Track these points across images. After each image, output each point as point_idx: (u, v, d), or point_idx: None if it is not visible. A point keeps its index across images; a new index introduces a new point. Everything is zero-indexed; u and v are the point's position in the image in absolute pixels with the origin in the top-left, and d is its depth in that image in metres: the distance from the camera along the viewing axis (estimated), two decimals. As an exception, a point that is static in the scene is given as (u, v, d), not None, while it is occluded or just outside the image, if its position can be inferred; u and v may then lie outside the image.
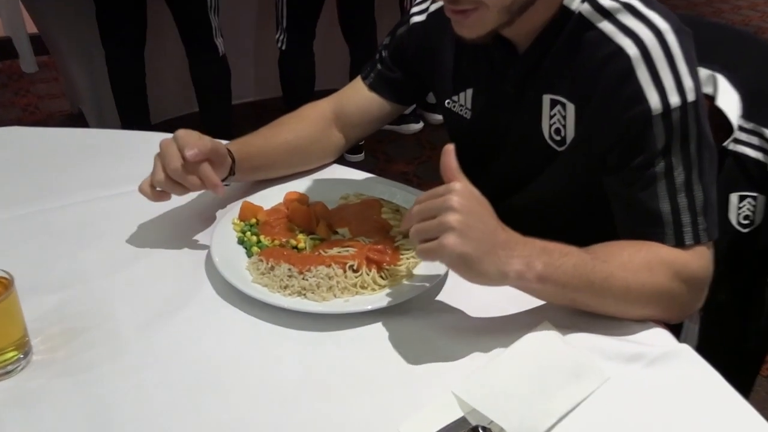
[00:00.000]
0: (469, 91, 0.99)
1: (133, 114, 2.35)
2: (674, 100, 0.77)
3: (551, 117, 0.88)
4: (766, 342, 1.01)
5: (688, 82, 0.77)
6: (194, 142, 0.85)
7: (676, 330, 0.95)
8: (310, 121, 1.06)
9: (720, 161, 0.91)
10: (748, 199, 0.99)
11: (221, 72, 2.38)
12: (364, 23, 2.59)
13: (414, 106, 2.77)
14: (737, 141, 0.95)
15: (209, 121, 2.41)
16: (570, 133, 0.87)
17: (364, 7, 2.56)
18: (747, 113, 0.96)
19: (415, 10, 1.03)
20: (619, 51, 0.78)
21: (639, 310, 0.78)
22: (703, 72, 0.94)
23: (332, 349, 0.76)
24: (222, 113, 2.42)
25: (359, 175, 1.09)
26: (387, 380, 0.71)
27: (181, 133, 0.86)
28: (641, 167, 0.80)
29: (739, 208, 0.98)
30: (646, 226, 0.81)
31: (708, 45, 0.98)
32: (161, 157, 0.85)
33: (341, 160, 1.12)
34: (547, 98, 0.88)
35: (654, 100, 0.77)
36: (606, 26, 0.79)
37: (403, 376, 0.72)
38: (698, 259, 0.79)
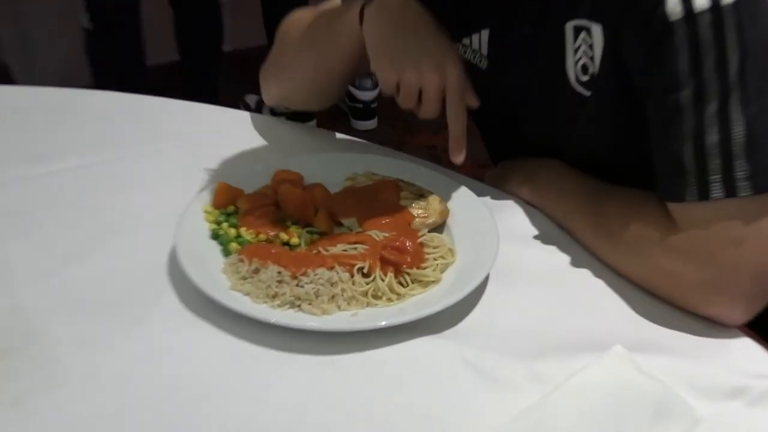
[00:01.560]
0: (485, 33, 1.02)
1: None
2: (701, 1, 0.77)
3: (576, 51, 0.92)
4: None
5: None
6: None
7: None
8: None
9: None
10: None
11: (217, 22, 2.75)
12: None
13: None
14: None
15: (195, 73, 2.76)
16: (598, 68, 0.91)
17: None
18: None
19: None
20: None
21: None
22: None
23: (335, 379, 0.75)
24: (212, 66, 2.77)
25: (370, 148, 1.09)
26: (407, 422, 0.71)
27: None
28: (663, 95, 0.81)
29: None
30: (666, 179, 0.83)
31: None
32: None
33: (348, 129, 1.13)
34: (570, 27, 0.91)
35: (672, 0, 0.78)
36: None
37: (428, 417, 0.72)
38: (729, 219, 0.79)
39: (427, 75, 0.93)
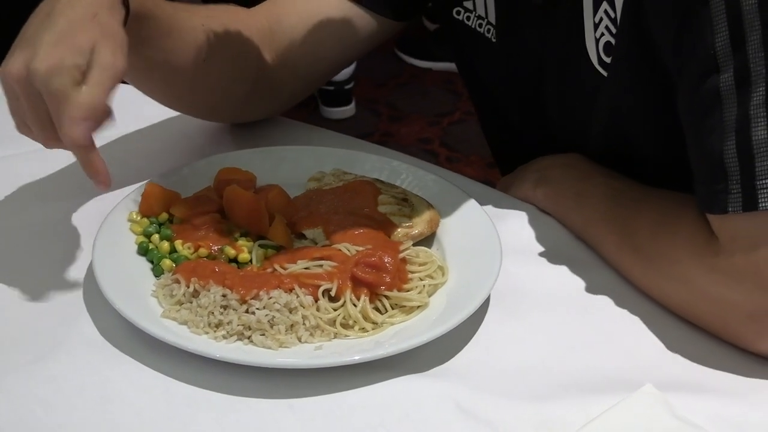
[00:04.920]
0: None
1: None
2: None
3: (597, 25, 0.96)
4: None
5: None
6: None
7: None
8: (245, 27, 1.11)
9: None
10: None
11: None
12: None
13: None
14: None
15: None
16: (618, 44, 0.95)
17: None
18: None
19: None
20: None
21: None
22: None
23: (294, 428, 0.79)
24: None
25: (341, 141, 1.13)
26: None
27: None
28: (701, 78, 0.84)
29: None
30: (704, 183, 0.86)
31: None
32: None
33: (318, 118, 1.17)
34: None
35: None
36: None
37: None
38: None
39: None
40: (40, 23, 0.86)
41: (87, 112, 0.83)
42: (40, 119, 0.84)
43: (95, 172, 0.85)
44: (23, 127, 0.87)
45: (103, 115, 0.84)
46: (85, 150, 0.83)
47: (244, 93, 1.13)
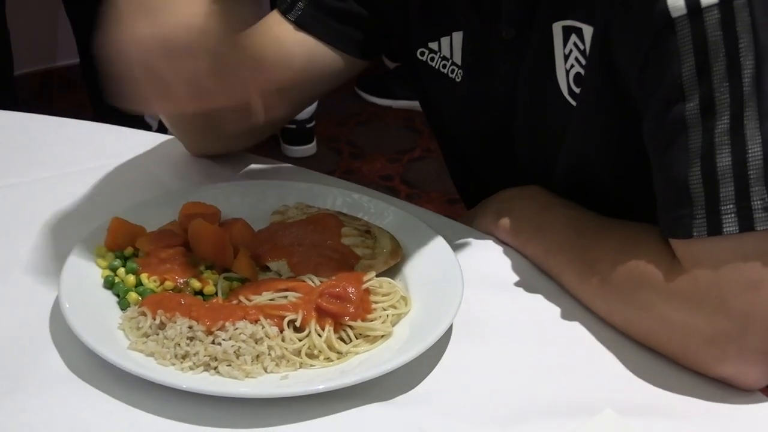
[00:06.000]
0: (457, 37, 1.09)
1: None
2: None
3: (567, 57, 0.99)
4: None
5: None
6: None
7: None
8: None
9: None
10: None
11: None
12: None
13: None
14: None
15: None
16: (587, 74, 0.97)
17: None
18: None
19: None
20: None
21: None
22: None
23: None
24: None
25: (304, 175, 1.15)
26: None
27: None
28: (664, 107, 0.87)
29: None
30: (668, 209, 0.88)
31: None
32: None
33: (279, 157, 1.19)
34: (558, 28, 0.99)
35: None
36: None
37: None
38: (745, 258, 0.84)
39: None
40: None
41: None
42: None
43: None
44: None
45: None
46: None
47: (220, 118, 1.12)
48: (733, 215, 0.84)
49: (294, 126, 2.85)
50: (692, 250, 0.87)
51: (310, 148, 2.86)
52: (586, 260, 0.97)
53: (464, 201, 1.26)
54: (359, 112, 3.09)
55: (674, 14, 0.85)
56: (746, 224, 0.84)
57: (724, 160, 0.85)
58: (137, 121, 2.81)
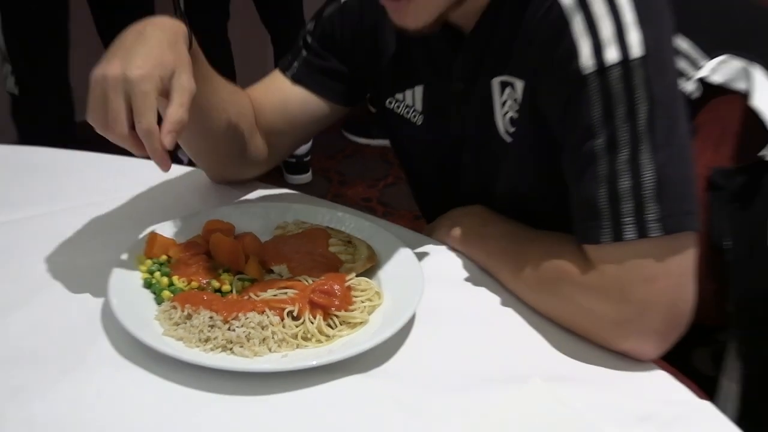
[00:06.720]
0: (419, 89, 1.08)
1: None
2: (612, 55, 0.84)
3: (503, 105, 0.99)
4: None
5: (634, 34, 0.84)
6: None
7: (710, 389, 1.01)
8: (245, 96, 1.12)
9: (756, 176, 0.98)
10: None
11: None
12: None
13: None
14: None
15: None
16: (520, 118, 0.97)
17: None
18: None
19: None
20: (554, 3, 0.87)
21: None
22: (737, 63, 1.02)
23: (266, 418, 0.79)
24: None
25: (300, 198, 1.14)
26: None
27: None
28: (579, 143, 0.87)
29: None
30: (582, 221, 0.89)
31: (744, 32, 1.07)
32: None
33: (282, 184, 1.18)
34: (496, 82, 0.99)
35: (586, 54, 0.85)
36: None
37: None
38: (642, 258, 0.85)
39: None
40: (134, 39, 0.87)
41: (176, 126, 0.86)
42: (122, 114, 0.84)
43: (161, 158, 0.86)
44: (103, 125, 0.85)
45: (183, 125, 0.86)
46: (159, 143, 0.84)
47: (238, 150, 1.12)
48: (632, 225, 0.84)
49: (294, 159, 2.84)
50: (600, 253, 0.87)
51: (306, 177, 2.85)
52: (519, 262, 0.96)
53: (425, 217, 1.26)
54: (345, 148, 3.08)
55: (585, 72, 0.85)
56: (642, 232, 0.84)
57: (624, 183, 0.85)
58: (172, 158, 2.79)
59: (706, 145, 1.01)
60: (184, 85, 0.87)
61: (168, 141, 0.85)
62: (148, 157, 0.87)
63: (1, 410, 0.79)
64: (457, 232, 1.07)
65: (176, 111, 0.86)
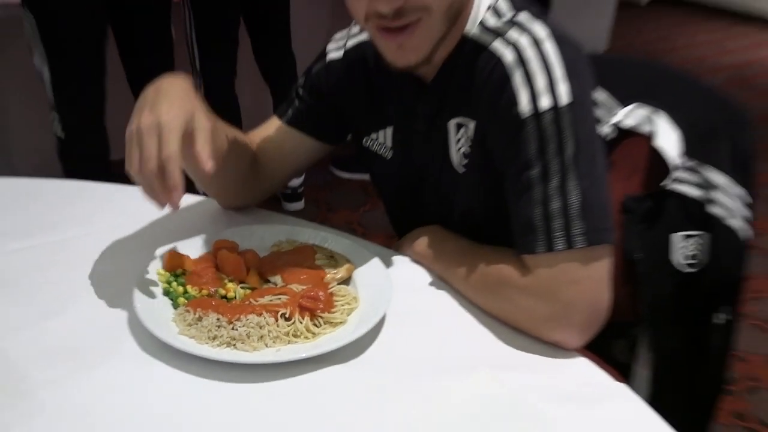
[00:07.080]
0: (389, 129, 1.11)
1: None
2: (545, 102, 0.89)
3: (458, 141, 1.02)
4: (716, 388, 1.12)
5: (563, 86, 0.89)
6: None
7: (626, 374, 1.06)
8: (245, 140, 1.14)
9: (660, 202, 1.03)
10: (695, 238, 1.12)
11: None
12: (281, 58, 2.73)
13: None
14: (678, 180, 1.08)
15: None
16: (470, 153, 1.00)
17: (280, 42, 2.70)
18: (689, 150, 1.08)
19: (331, 46, 1.15)
20: (499, 60, 0.92)
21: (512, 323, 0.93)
22: (644, 110, 1.08)
23: (264, 401, 0.82)
24: None
25: (293, 221, 1.16)
26: None
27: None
28: (519, 173, 0.91)
29: (684, 248, 1.11)
30: (521, 236, 0.92)
31: (651, 85, 1.13)
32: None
33: (279, 210, 1.19)
34: (452, 123, 1.02)
35: (524, 101, 0.90)
36: (496, 43, 0.94)
37: (339, 428, 0.79)
38: (569, 264, 0.88)
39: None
40: (155, 94, 0.89)
41: (210, 153, 0.88)
42: (154, 152, 0.84)
43: (176, 182, 0.85)
44: (137, 168, 0.85)
45: (206, 163, 0.87)
46: (178, 171, 0.85)
47: (242, 179, 1.14)
48: (562, 239, 0.88)
49: (290, 190, 2.85)
50: (536, 261, 0.90)
51: (300, 205, 2.87)
52: (468, 271, 0.98)
53: (398, 235, 1.28)
54: (332, 181, 3.10)
55: (523, 116, 0.90)
56: (569, 244, 0.88)
57: (555, 205, 0.89)
58: (191, 190, 2.75)
59: (620, 176, 1.06)
60: (203, 124, 0.89)
61: (210, 166, 0.87)
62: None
63: (41, 398, 0.81)
64: (419, 247, 1.08)
65: (202, 149, 0.88)
